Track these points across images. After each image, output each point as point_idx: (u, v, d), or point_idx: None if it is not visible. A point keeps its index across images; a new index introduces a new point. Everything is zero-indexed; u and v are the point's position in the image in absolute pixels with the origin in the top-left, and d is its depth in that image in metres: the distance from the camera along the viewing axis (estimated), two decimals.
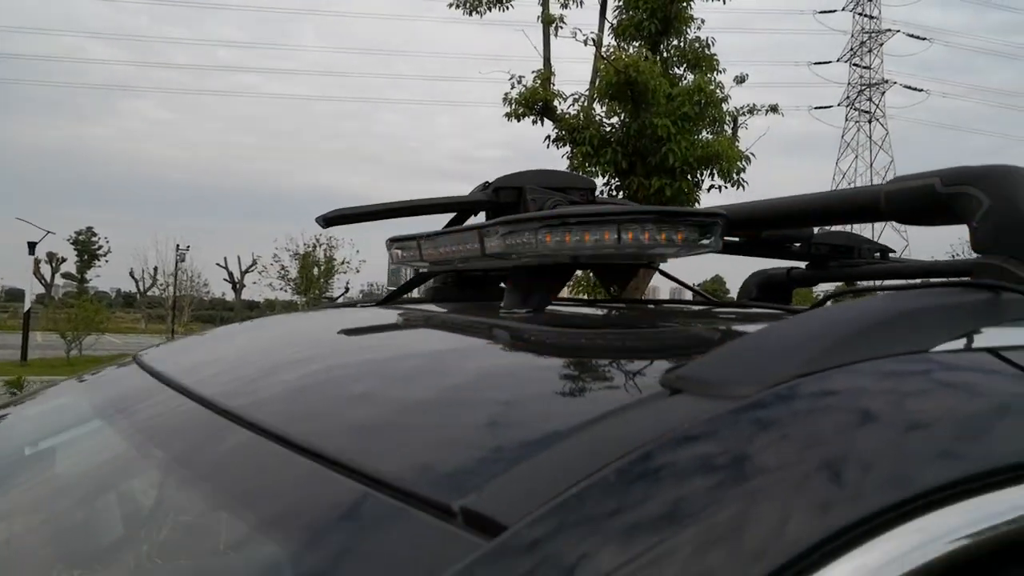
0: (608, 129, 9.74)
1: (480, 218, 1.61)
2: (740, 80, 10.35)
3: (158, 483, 0.78)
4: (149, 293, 50.77)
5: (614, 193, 9.90)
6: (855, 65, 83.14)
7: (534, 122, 10.25)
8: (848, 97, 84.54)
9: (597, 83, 9.60)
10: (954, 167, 0.88)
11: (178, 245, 39.73)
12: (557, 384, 0.73)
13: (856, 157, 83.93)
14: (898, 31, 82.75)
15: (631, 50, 9.69)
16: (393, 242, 1.47)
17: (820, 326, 0.62)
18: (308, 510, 0.56)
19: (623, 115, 9.44)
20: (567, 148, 10.02)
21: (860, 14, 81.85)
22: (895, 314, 0.64)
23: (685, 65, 10.04)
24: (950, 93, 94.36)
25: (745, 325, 1.03)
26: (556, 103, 10.02)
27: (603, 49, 9.57)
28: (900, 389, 0.56)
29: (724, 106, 9.56)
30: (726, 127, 9.71)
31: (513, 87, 10.11)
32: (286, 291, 39.81)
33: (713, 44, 9.97)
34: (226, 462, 0.70)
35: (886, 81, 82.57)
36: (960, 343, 0.64)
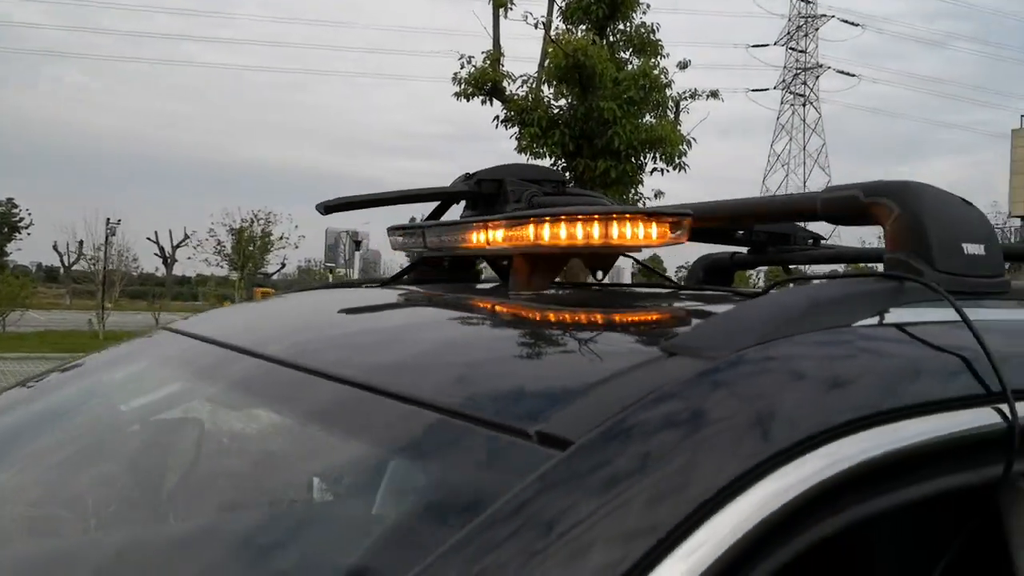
0: (556, 111, 9.92)
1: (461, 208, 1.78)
2: (683, 66, 10.63)
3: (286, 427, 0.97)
4: (75, 268, 49.36)
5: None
6: (791, 49, 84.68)
7: (483, 102, 10.37)
8: (784, 80, 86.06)
9: (546, 65, 9.77)
10: (873, 182, 1.10)
11: (108, 219, 38.72)
12: (583, 347, 0.93)
13: (790, 140, 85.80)
14: (833, 16, 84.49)
15: (578, 33, 9.86)
16: (395, 230, 1.62)
17: (770, 308, 0.84)
18: (417, 445, 0.75)
19: (571, 98, 9.62)
20: (515, 129, 10.18)
21: None
22: (826, 299, 0.86)
23: (631, 50, 10.27)
24: (880, 79, 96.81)
25: (713, 306, 1.23)
26: (505, 84, 10.16)
27: (552, 32, 9.73)
28: (826, 354, 0.77)
29: (668, 91, 9.84)
30: (668, 111, 9.98)
31: (463, 67, 10.21)
32: (222, 267, 39.19)
33: (658, 30, 10.24)
34: (351, 413, 0.88)
35: (820, 66, 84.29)
36: (874, 320, 0.86)
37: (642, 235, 1.21)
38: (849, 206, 1.10)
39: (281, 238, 37.61)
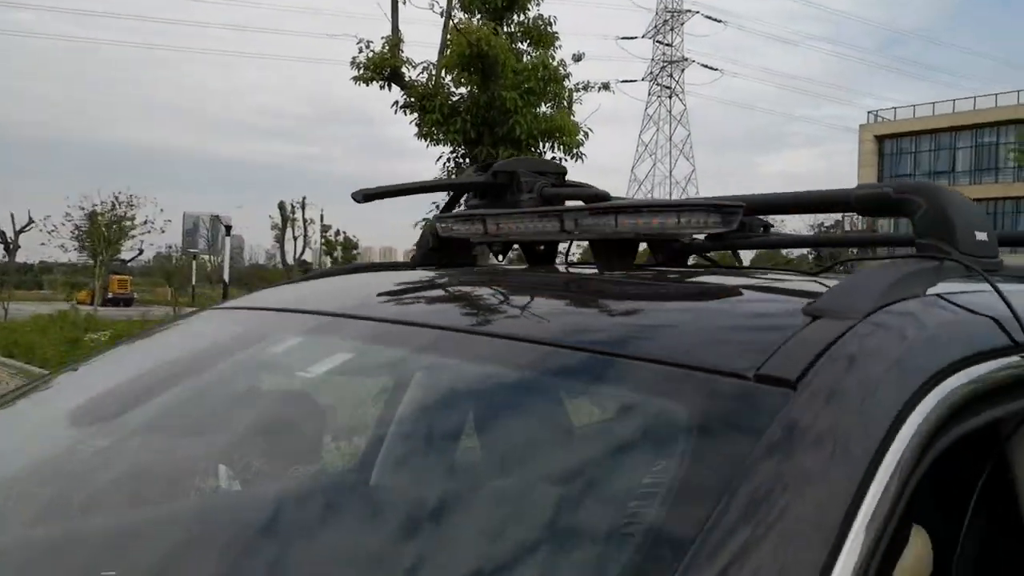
0: (457, 99, 10.08)
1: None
2: (577, 58, 11.01)
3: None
4: None
5: (461, 162, 10.27)
6: (658, 42, 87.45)
7: (381, 87, 10.38)
8: (652, 72, 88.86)
9: (447, 53, 9.89)
10: (901, 181, 1.36)
11: None
12: (746, 313, 1.17)
13: (657, 130, 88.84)
14: (697, 12, 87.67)
15: (475, 22, 10.03)
16: (448, 219, 1.77)
17: (874, 282, 1.05)
18: (673, 393, 0.93)
19: (472, 86, 9.80)
20: (415, 115, 10.25)
21: None
22: (907, 274, 1.09)
23: (528, 41, 10.53)
24: (741, 74, 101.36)
25: (799, 282, 1.45)
26: (404, 70, 10.21)
27: (455, 21, 9.87)
28: (923, 314, 1.02)
29: (566, 83, 10.17)
30: (564, 102, 10.31)
31: (361, 51, 10.18)
32: (78, 252, 36.97)
33: (555, 23, 10.55)
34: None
35: (685, 59, 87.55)
36: (937, 290, 1.11)
37: (699, 222, 1.40)
38: (881, 201, 1.32)
39: (145, 222, 35.95)
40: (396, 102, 10.34)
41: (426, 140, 10.25)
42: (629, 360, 0.98)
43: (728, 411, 0.86)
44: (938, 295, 1.08)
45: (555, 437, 1.13)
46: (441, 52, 10.30)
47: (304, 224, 69.26)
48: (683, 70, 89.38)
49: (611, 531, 0.85)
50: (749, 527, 0.71)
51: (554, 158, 10.15)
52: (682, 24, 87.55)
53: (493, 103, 9.47)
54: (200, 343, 1.62)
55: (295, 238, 68.26)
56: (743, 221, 2.12)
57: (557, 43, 10.70)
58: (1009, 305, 1.05)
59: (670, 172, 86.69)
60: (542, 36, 10.53)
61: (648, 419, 0.95)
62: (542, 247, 1.96)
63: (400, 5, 10.45)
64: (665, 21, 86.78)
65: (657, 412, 0.94)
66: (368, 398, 1.45)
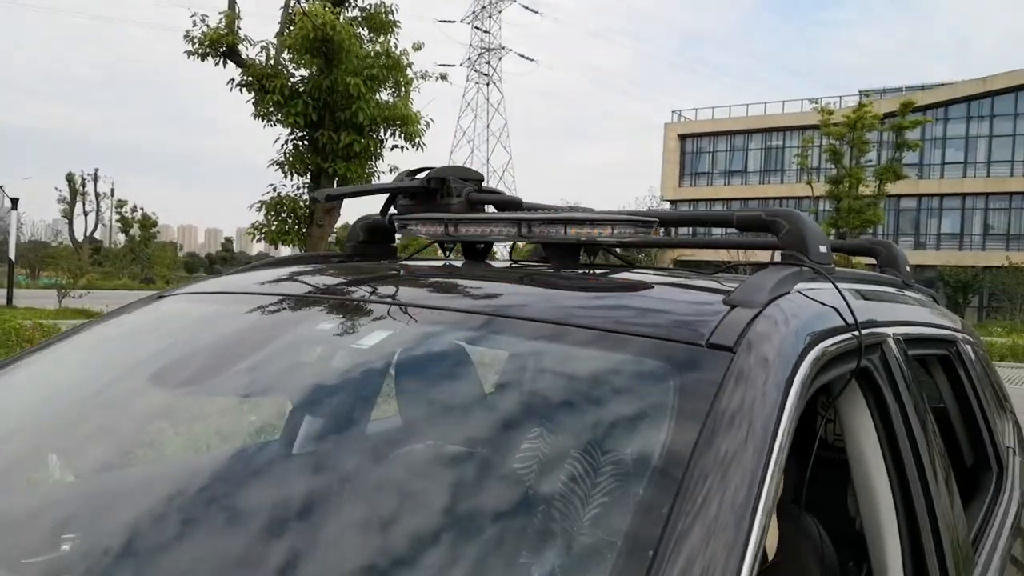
0: (297, 80, 9.94)
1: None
2: (417, 47, 11.12)
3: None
4: None
5: (300, 144, 10.17)
6: (476, 28, 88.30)
7: (216, 63, 10.04)
8: (470, 59, 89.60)
9: (290, 34, 9.72)
10: (770, 208, 1.78)
11: None
12: (680, 300, 1.54)
13: (475, 117, 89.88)
14: (515, 1, 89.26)
15: (318, 4, 9.93)
16: (415, 221, 1.94)
17: (766, 280, 1.42)
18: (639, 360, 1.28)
19: (314, 69, 9.71)
20: (252, 95, 10.01)
21: None
22: (785, 275, 1.47)
23: (368, 28, 10.54)
24: (556, 65, 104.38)
25: (711, 281, 1.77)
26: (242, 48, 9.94)
27: (300, 2, 9.72)
28: (802, 303, 1.38)
29: (409, 71, 10.28)
30: (403, 90, 10.43)
31: (195, 24, 9.79)
32: None
33: (396, 11, 10.61)
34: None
35: (503, 47, 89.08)
36: (795, 287, 1.44)
37: (628, 232, 1.69)
38: (756, 221, 1.75)
39: None
40: (232, 79, 10.04)
41: (263, 120, 10.05)
42: (620, 334, 1.33)
43: (695, 365, 1.22)
44: (800, 291, 1.47)
45: (572, 387, 1.42)
46: (281, 32, 10.11)
47: (96, 198, 64.10)
48: (500, 58, 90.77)
49: (629, 452, 1.22)
50: (730, 429, 1.09)
51: (395, 146, 10.30)
52: (500, 12, 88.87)
53: (336, 87, 9.45)
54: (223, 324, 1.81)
55: (85, 213, 63.05)
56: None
57: (396, 30, 10.79)
58: (844, 298, 1.49)
59: (487, 159, 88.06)
60: (383, 23, 10.59)
61: (642, 372, 1.30)
62: (481, 245, 2.21)
63: None
64: (483, 7, 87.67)
65: (647, 368, 1.29)
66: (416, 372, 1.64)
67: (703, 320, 1.31)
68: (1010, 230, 46.12)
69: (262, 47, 9.96)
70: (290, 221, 10.48)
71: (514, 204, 2.19)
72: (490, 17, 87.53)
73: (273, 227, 10.30)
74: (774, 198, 53.50)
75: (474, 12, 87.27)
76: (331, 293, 1.80)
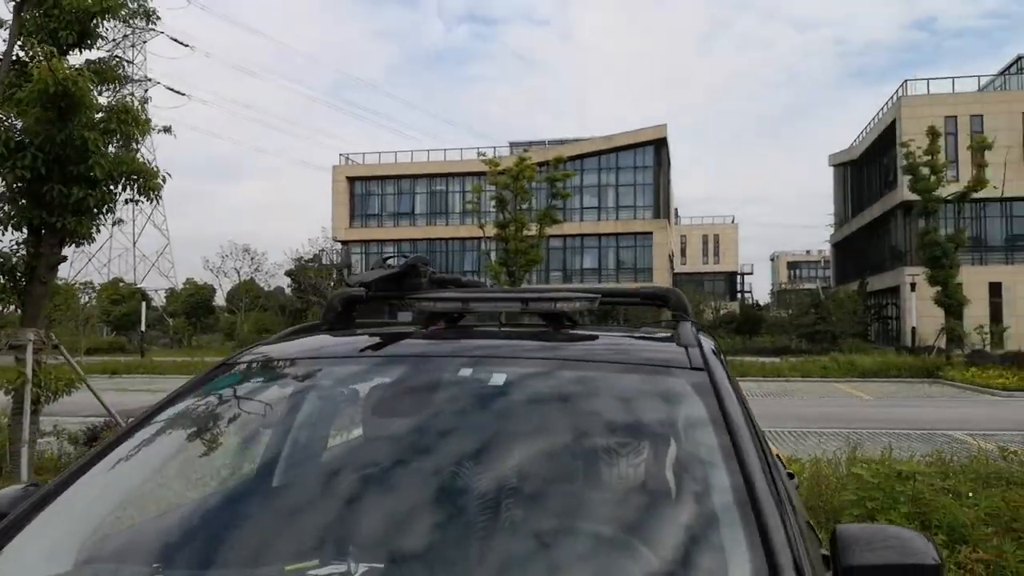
0: (20, 134, 9.48)
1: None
2: (144, 101, 11.06)
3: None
4: None
5: (19, 199, 9.66)
6: (118, 58, 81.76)
7: None
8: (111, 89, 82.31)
9: (22, 88, 9.25)
10: (664, 287, 2.87)
11: None
12: (658, 344, 2.24)
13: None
14: (162, 33, 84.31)
15: (40, 52, 9.60)
16: (428, 299, 2.31)
17: (689, 330, 2.15)
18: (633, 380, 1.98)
19: (44, 122, 9.35)
20: None
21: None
22: (690, 327, 2.20)
23: (99, 80, 10.32)
24: (210, 101, 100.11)
25: (653, 330, 2.48)
26: None
27: (36, 54, 9.31)
28: (703, 341, 2.10)
29: (149, 125, 10.24)
30: (134, 143, 10.37)
31: None
32: None
33: (128, 65, 10.46)
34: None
35: (150, 79, 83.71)
36: (697, 332, 2.21)
37: (588, 304, 2.25)
38: (657, 293, 2.67)
39: None
40: None
41: None
42: (634, 364, 2.02)
43: (688, 381, 1.82)
44: (695, 333, 2.15)
45: (605, 407, 1.94)
46: (0, 83, 9.55)
47: None
48: (146, 90, 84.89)
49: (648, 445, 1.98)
50: (734, 405, 1.70)
51: (130, 200, 10.18)
52: (144, 42, 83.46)
53: (71, 141, 9.23)
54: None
55: None
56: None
57: (126, 84, 10.68)
58: (698, 335, 2.16)
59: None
60: (115, 77, 10.43)
61: (654, 389, 1.88)
62: (458, 315, 2.56)
63: None
64: (125, 36, 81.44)
65: (656, 385, 1.88)
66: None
67: (678, 355, 1.95)
68: (636, 264, 54.00)
69: None
70: (4, 279, 9.87)
71: (456, 282, 2.78)
72: (133, 47, 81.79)
73: None
74: (441, 239, 56.68)
75: (115, 41, 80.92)
76: (446, 351, 2.17)
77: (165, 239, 70.87)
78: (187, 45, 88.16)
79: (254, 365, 2.24)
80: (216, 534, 1.82)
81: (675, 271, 68.11)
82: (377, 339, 2.27)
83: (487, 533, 1.67)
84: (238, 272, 57.95)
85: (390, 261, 2.68)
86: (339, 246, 58.32)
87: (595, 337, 2.32)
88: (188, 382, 2.13)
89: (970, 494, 5.70)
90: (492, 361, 2.05)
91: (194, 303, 59.20)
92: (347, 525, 1.72)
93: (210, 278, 62.49)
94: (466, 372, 2.01)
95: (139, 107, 10.11)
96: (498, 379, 1.96)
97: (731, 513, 1.45)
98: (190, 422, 2.06)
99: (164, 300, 65.68)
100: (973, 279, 34.77)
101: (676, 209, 71.64)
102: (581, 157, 52.55)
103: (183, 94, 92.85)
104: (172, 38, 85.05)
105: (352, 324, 2.53)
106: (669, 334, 2.25)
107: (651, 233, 53.47)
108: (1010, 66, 45.20)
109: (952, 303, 29.51)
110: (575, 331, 2.31)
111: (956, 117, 40.50)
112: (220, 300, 61.99)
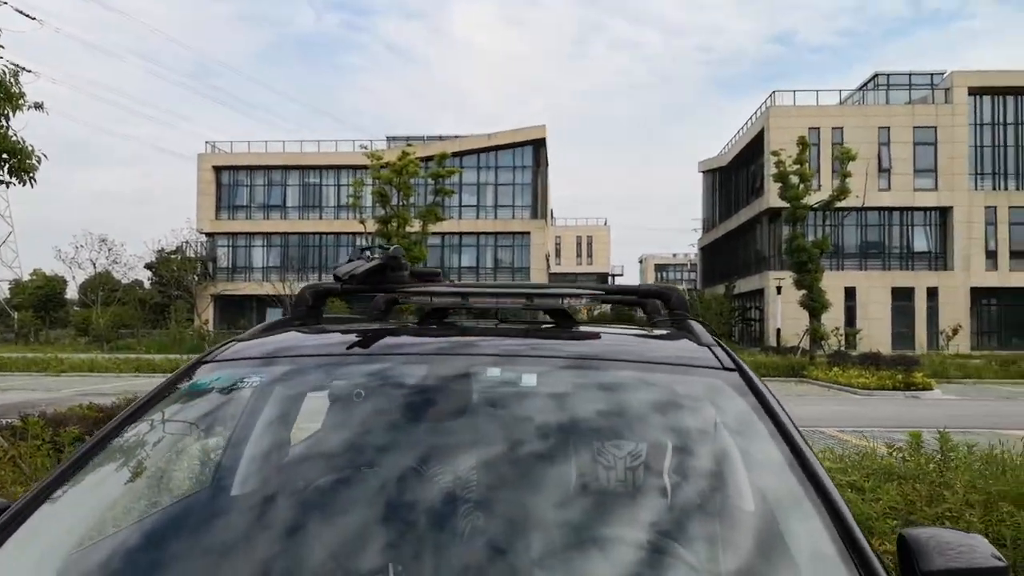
0: None
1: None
2: (15, 74, 9.87)
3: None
4: None
5: None
6: None
7: None
8: None
9: None
10: (666, 285, 2.75)
11: None
12: (683, 344, 2.05)
13: None
14: (6, 3, 78.04)
15: None
16: (433, 293, 2.24)
17: (702, 329, 2.11)
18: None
19: None
20: None
21: None
22: (700, 327, 2.15)
23: None
24: (60, 80, 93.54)
25: (666, 329, 2.37)
26: None
27: None
28: (707, 336, 2.12)
29: (21, 101, 9.13)
30: (4, 121, 9.27)
31: None
32: None
33: None
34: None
35: None
36: (686, 330, 2.21)
37: (590, 302, 2.32)
38: (654, 290, 2.67)
39: None
40: None
41: None
42: (669, 364, 1.94)
43: (725, 380, 1.81)
44: (695, 330, 2.13)
45: (633, 401, 1.89)
46: None
47: None
48: None
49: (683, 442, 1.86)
50: (769, 398, 1.72)
51: (1, 181, 9.08)
52: None
53: None
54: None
55: None
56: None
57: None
58: (705, 329, 2.14)
59: None
60: None
61: (690, 388, 1.86)
62: (450, 311, 2.61)
63: None
64: None
65: (695, 387, 1.85)
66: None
67: (703, 354, 1.94)
68: (514, 263, 54.32)
69: None
70: None
71: (436, 275, 2.57)
72: None
73: None
74: (314, 233, 55.11)
75: None
76: (458, 348, 2.09)
77: (8, 227, 65.47)
78: (34, 18, 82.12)
79: (233, 363, 2.11)
80: (199, 543, 1.74)
81: (551, 271, 69.05)
82: (370, 336, 2.18)
83: (562, 540, 1.62)
84: (94, 264, 54.97)
85: (367, 253, 2.51)
86: (204, 238, 55.64)
87: (613, 335, 2.23)
88: (165, 380, 2.05)
89: (869, 489, 5.69)
90: (516, 360, 1.98)
91: (43, 296, 55.43)
92: (348, 526, 1.69)
93: (61, 269, 58.64)
94: (494, 372, 1.93)
95: (11, 79, 9.02)
96: (529, 380, 1.91)
97: (810, 516, 1.46)
98: (170, 424, 1.97)
99: (8, 292, 61.18)
100: (831, 284, 36.96)
101: (552, 210, 72.57)
102: (461, 154, 52.46)
103: (29, 71, 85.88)
104: (17, 9, 79.08)
105: (321, 319, 2.47)
106: (677, 332, 2.21)
107: (529, 233, 54.08)
108: (867, 82, 48.48)
109: (816, 306, 31.20)
110: (583, 329, 2.23)
111: (819, 129, 43.05)
112: (73, 293, 58.57)
